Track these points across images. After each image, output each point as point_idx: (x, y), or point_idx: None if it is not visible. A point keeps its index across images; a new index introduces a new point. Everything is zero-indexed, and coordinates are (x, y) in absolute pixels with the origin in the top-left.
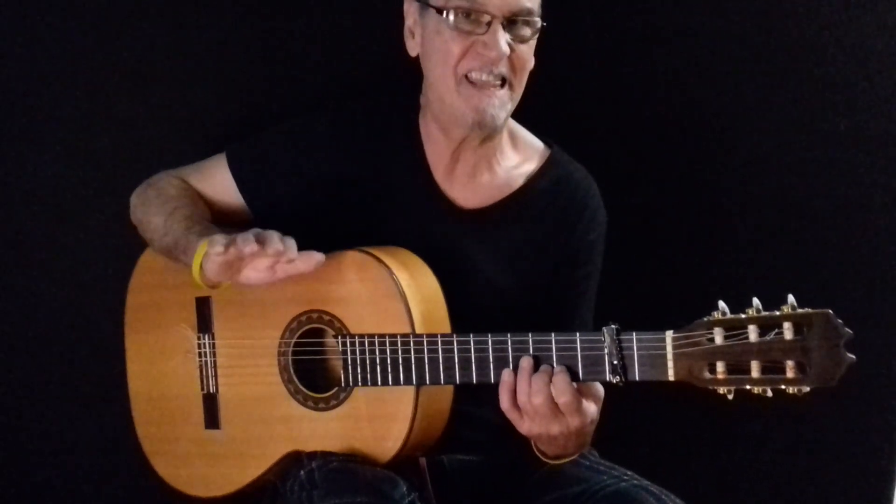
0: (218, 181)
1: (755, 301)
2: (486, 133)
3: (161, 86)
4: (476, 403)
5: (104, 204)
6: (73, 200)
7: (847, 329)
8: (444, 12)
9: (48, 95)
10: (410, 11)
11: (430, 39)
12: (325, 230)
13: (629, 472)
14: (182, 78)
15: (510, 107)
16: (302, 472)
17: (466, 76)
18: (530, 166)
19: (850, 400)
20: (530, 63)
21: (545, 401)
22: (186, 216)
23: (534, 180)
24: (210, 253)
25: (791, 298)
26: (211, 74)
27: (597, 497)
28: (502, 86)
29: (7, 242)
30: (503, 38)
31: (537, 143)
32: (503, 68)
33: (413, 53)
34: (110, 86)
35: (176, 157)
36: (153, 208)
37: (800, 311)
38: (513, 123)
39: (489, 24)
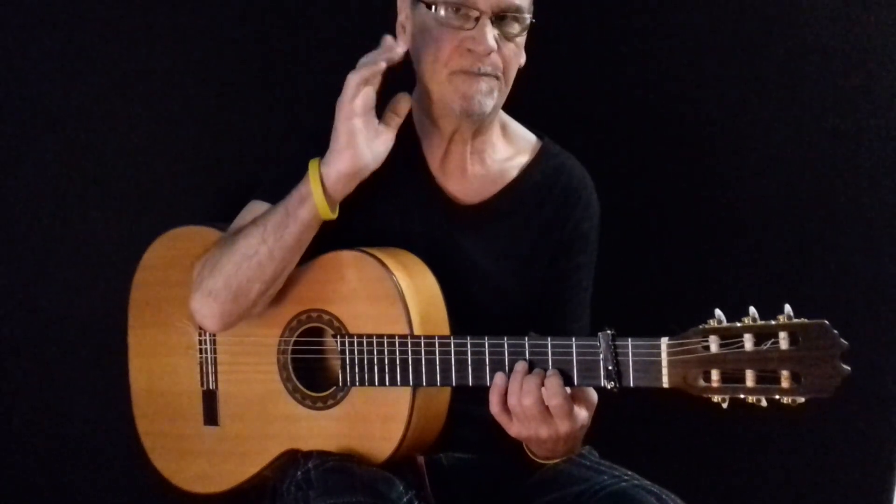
0: None
1: (751, 310)
2: (475, 121)
3: (162, 84)
4: (475, 402)
5: (108, 199)
6: (77, 195)
7: (843, 340)
8: (434, 7)
9: (48, 94)
10: (403, 6)
11: (419, 34)
12: (327, 223)
13: (629, 472)
14: (182, 76)
15: (497, 96)
16: (298, 472)
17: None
18: (523, 158)
19: (850, 400)
20: (519, 59)
21: (535, 403)
22: (264, 212)
23: (527, 172)
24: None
25: (788, 308)
26: (211, 73)
27: (597, 497)
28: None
29: (11, 237)
30: (491, 34)
31: (529, 136)
32: (490, 66)
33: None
34: (111, 82)
35: (176, 152)
36: (226, 251)
37: (796, 321)
38: (504, 116)
39: (477, 19)
